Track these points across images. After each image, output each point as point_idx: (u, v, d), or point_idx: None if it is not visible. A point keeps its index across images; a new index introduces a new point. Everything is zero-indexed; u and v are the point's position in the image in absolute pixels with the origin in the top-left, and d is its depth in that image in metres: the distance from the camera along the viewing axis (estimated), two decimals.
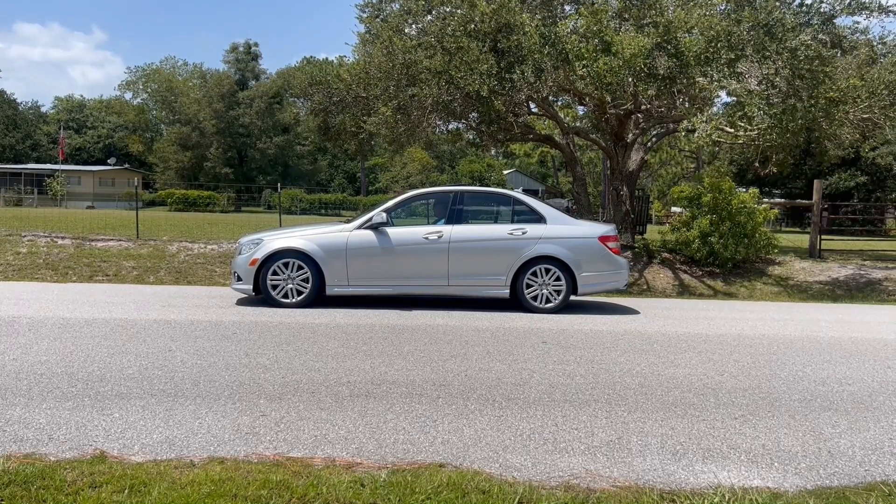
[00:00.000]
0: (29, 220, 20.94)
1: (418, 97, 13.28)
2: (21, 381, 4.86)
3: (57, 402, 4.45)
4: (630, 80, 12.29)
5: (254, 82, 63.67)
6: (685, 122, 13.72)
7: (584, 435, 4.22)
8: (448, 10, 13.99)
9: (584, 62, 12.13)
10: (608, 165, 29.01)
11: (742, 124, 12.95)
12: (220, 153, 59.40)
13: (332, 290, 9.10)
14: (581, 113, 26.10)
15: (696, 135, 13.78)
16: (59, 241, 15.15)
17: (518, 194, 10.15)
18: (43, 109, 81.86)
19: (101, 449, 3.69)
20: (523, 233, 9.25)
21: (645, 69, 12.09)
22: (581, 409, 4.73)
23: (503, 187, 50.26)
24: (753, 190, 15.18)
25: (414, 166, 63.30)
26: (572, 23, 13.50)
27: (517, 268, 9.18)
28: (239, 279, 9.17)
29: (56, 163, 58.29)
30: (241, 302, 9.06)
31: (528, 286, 9.22)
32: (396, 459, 3.72)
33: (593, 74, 12.11)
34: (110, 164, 61.80)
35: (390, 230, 9.23)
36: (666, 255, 14.92)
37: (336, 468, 3.55)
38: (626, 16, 13.62)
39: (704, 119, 12.96)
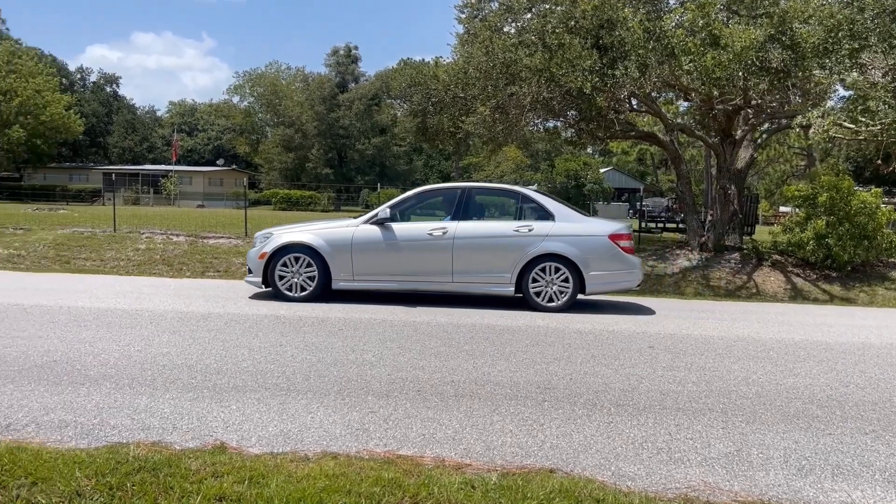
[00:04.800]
0: (146, 218, 22.25)
1: (517, 96, 13.19)
2: (146, 372, 5.13)
3: (179, 392, 4.67)
4: (740, 74, 11.77)
5: (353, 85, 65.20)
6: (799, 117, 13.01)
7: (700, 445, 4.04)
8: (548, 6, 13.83)
9: (691, 57, 11.69)
10: (711, 163, 27.88)
11: (864, 119, 12.15)
12: (321, 154, 61.21)
13: (337, 284, 9.17)
14: (683, 109, 25.21)
15: (811, 131, 13.01)
16: (174, 239, 15.99)
17: (527, 191, 9.88)
18: (158, 114, 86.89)
19: (221, 440, 3.84)
20: (529, 230, 9.05)
21: (756, 62, 11.53)
22: (695, 418, 4.54)
23: (600, 186, 49.38)
24: (876, 190, 14.21)
25: (508, 165, 63.12)
26: (677, 17, 13.04)
27: (523, 265, 8.97)
28: (250, 272, 9.40)
29: (170, 164, 61.69)
30: (343, 299, 9.25)
31: (535, 285, 9.00)
32: (505, 462, 3.68)
33: (700, 69, 11.66)
34: (219, 165, 64.85)
35: (395, 226, 9.22)
36: (777, 257, 14.20)
37: (446, 468, 3.55)
38: (735, 7, 13.04)
39: (820, 114, 12.25)
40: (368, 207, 54.19)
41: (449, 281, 9.14)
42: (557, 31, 12.56)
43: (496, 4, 15.39)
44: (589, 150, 55.98)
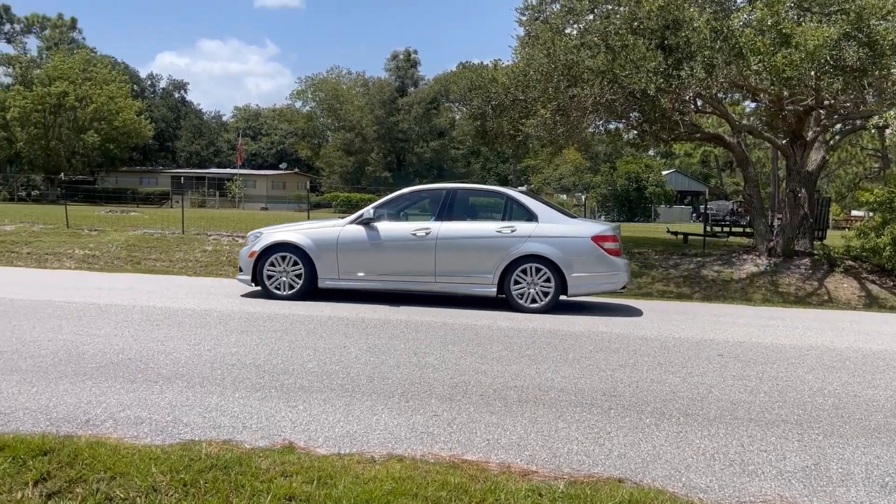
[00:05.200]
0: (213, 221, 22.87)
1: (578, 97, 13.04)
2: (215, 371, 5.26)
3: (248, 392, 4.76)
4: (812, 73, 11.36)
5: (412, 89, 65.76)
6: (875, 117, 12.47)
7: (775, 458, 3.90)
8: (611, 7, 13.64)
9: (760, 56, 11.35)
10: (778, 165, 26.98)
11: None
12: (380, 157, 61.92)
13: (323, 282, 9.32)
14: (749, 110, 24.49)
15: (887, 132, 12.46)
16: (240, 241, 16.36)
17: (511, 192, 9.83)
18: (224, 118, 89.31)
19: (290, 440, 3.90)
20: (512, 231, 9.04)
21: (830, 61, 11.11)
22: (768, 429, 4.38)
23: (661, 188, 48.42)
24: None
25: (567, 167, 62.54)
26: (745, 15, 12.68)
27: (505, 266, 8.96)
28: (241, 270, 9.62)
29: (235, 167, 63.26)
30: (405, 301, 9.30)
31: (517, 285, 8.97)
32: (572, 471, 3.63)
33: (770, 69, 11.30)
34: (282, 169, 66.17)
35: (380, 226, 9.32)
36: (850, 263, 13.64)
37: (512, 475, 3.52)
38: (807, 5, 12.59)
39: None
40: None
41: (432, 281, 9.20)
42: (621, 32, 12.37)
43: (558, 6, 15.27)
44: (651, 152, 55.03)
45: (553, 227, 9.07)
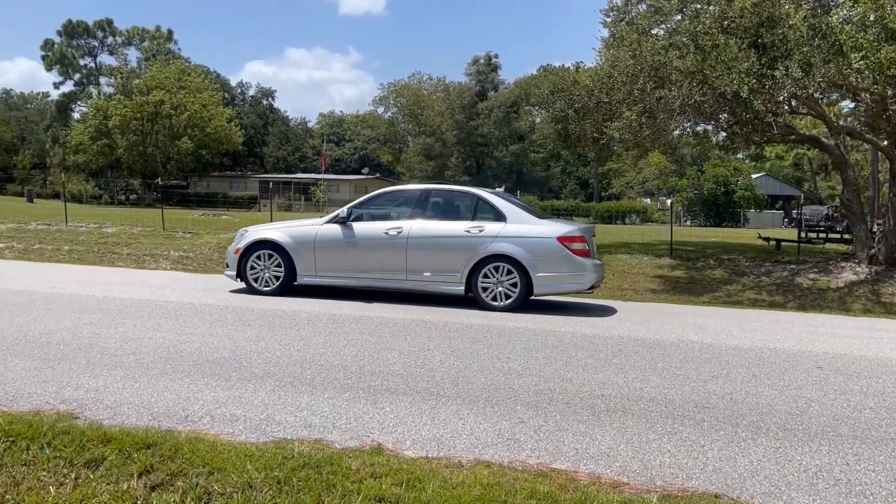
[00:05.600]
0: None
1: (666, 99, 12.71)
2: (305, 371, 5.39)
3: (336, 392, 4.86)
4: None
5: (493, 93, 65.77)
6: None
7: (885, 479, 3.67)
8: (700, 6, 13.24)
9: (863, 53, 10.76)
10: (878, 168, 25.56)
11: None
12: (459, 162, 62.23)
13: (302, 279, 9.71)
14: (847, 110, 23.27)
15: None
16: None
17: (482, 192, 9.92)
18: (309, 125, 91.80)
19: (378, 441, 3.95)
20: (480, 230, 9.20)
21: None
22: (876, 448, 4.14)
23: (751, 192, 46.65)
24: None
25: (651, 171, 61.14)
26: (845, 11, 12.07)
27: (472, 265, 9.13)
28: (228, 266, 10.11)
29: (319, 172, 64.88)
30: (468, 304, 9.28)
31: (484, 284, 9.12)
32: (665, 484, 3.52)
33: (873, 66, 10.70)
34: (364, 174, 67.44)
35: (356, 225, 9.66)
36: None
37: (602, 486, 3.45)
38: None
39: None
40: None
41: (403, 279, 9.47)
42: (711, 31, 11.98)
43: (644, 6, 14.94)
44: (740, 154, 53.12)
45: (520, 228, 9.19)
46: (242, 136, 62.35)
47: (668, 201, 43.09)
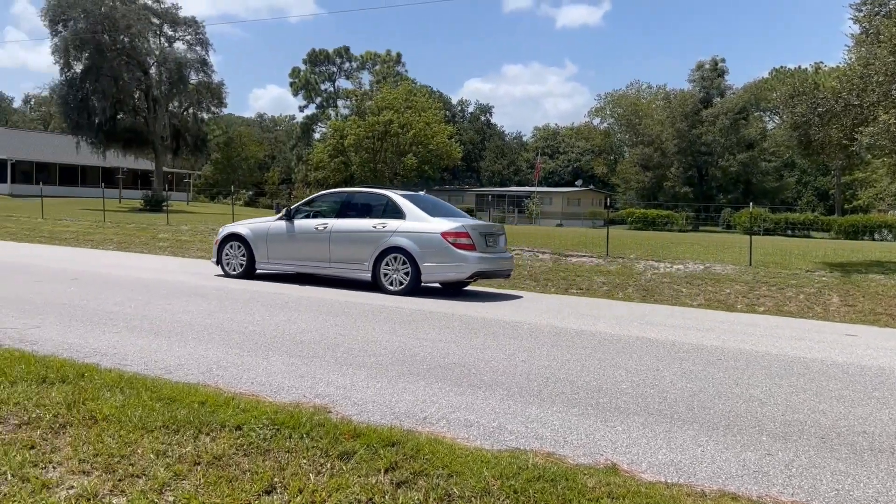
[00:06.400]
0: (514, 237, 23.88)
1: None
2: (532, 382, 5.42)
3: (564, 406, 4.82)
4: None
5: (718, 99, 62.14)
6: None
7: None
8: None
9: None
10: None
11: None
12: (679, 172, 59.50)
13: (259, 266, 11.87)
14: None
15: None
16: (540, 256, 16.85)
17: (390, 193, 11.52)
18: (524, 139, 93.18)
19: (612, 460, 3.84)
20: (384, 227, 10.80)
21: None
22: None
23: None
24: None
25: None
26: None
27: (376, 255, 10.70)
28: (213, 255, 12.43)
29: (532, 185, 65.54)
30: (718, 327, 8.73)
31: (385, 271, 10.66)
32: None
33: None
34: (577, 186, 67.02)
35: (297, 222, 11.59)
36: None
37: None
38: None
39: None
40: (730, 228, 51.09)
41: (328, 266, 11.29)
42: None
43: None
44: None
45: (415, 224, 10.71)
46: (461, 151, 64.85)
47: None
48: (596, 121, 75.28)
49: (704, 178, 61.48)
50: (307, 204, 12.20)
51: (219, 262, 12.20)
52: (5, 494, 3.07)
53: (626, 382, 5.55)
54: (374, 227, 10.91)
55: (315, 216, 11.72)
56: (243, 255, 11.89)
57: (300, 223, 11.60)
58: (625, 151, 72.73)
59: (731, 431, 4.42)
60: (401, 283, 10.53)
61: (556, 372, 5.80)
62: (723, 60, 64.26)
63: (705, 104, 61.17)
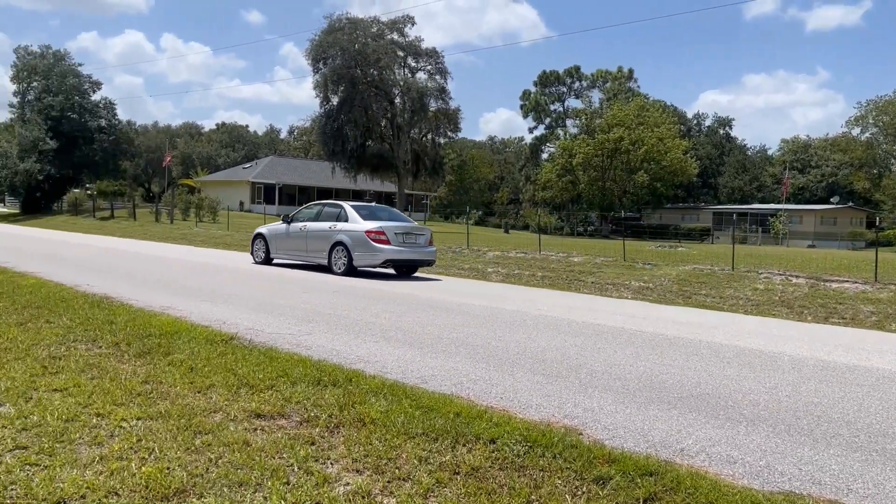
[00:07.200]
0: (760, 258, 22.12)
1: None
2: (800, 420, 4.92)
3: (842, 450, 4.31)
4: None
5: None
6: None
7: None
8: None
9: None
10: None
11: None
12: None
13: (273, 255, 16.87)
14: None
15: None
16: (793, 280, 15.41)
17: (345, 204, 16.04)
18: (769, 152, 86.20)
19: None
20: (335, 228, 15.38)
21: None
22: None
23: None
24: None
25: None
26: None
27: (329, 247, 15.30)
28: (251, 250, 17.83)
29: (778, 202, 60.33)
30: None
31: (334, 259, 15.19)
32: None
33: None
34: (833, 203, 60.45)
35: (293, 224, 16.48)
36: None
37: None
38: None
39: None
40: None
41: (305, 255, 16.15)
42: None
43: None
44: None
45: (351, 225, 15.15)
46: (697, 166, 61.66)
47: None
48: (855, 131, 67.39)
49: None
50: (299, 212, 17.03)
51: (253, 253, 17.49)
52: (293, 485, 3.41)
53: None
54: (330, 228, 15.51)
55: (299, 221, 16.49)
56: (263, 248, 17.05)
57: (293, 226, 16.46)
58: (892, 164, 64.31)
59: None
60: (342, 267, 14.93)
61: (826, 410, 5.21)
62: None
63: None
